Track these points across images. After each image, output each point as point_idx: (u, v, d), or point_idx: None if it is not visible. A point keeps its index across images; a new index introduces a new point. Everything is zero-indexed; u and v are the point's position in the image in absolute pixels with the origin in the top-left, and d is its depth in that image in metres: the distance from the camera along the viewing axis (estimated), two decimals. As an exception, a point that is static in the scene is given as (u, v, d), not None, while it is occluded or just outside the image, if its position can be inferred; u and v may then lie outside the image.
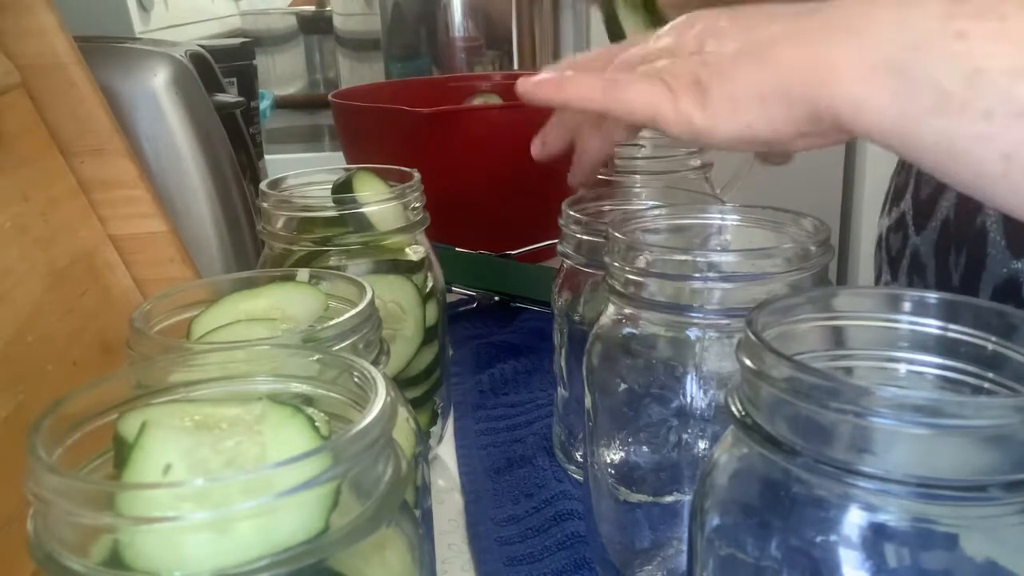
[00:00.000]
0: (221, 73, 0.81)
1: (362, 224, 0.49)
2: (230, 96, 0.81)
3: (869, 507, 0.23)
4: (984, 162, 0.31)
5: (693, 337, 0.36)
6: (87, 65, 0.54)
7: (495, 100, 1.02)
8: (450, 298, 0.76)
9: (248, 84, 0.97)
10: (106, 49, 0.67)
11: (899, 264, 0.61)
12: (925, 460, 0.22)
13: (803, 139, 0.38)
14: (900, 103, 0.32)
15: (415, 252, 0.52)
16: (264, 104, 1.29)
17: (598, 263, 0.41)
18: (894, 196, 0.64)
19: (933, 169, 0.33)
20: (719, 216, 0.40)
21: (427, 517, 0.36)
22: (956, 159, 0.32)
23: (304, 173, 0.54)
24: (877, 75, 0.33)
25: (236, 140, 0.77)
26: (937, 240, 0.56)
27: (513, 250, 0.86)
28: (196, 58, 0.74)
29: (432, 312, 0.52)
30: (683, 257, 0.36)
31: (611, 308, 0.39)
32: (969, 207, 0.53)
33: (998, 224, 0.51)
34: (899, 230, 0.61)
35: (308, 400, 0.27)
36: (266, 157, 1.01)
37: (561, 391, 0.54)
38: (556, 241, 0.50)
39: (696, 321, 0.35)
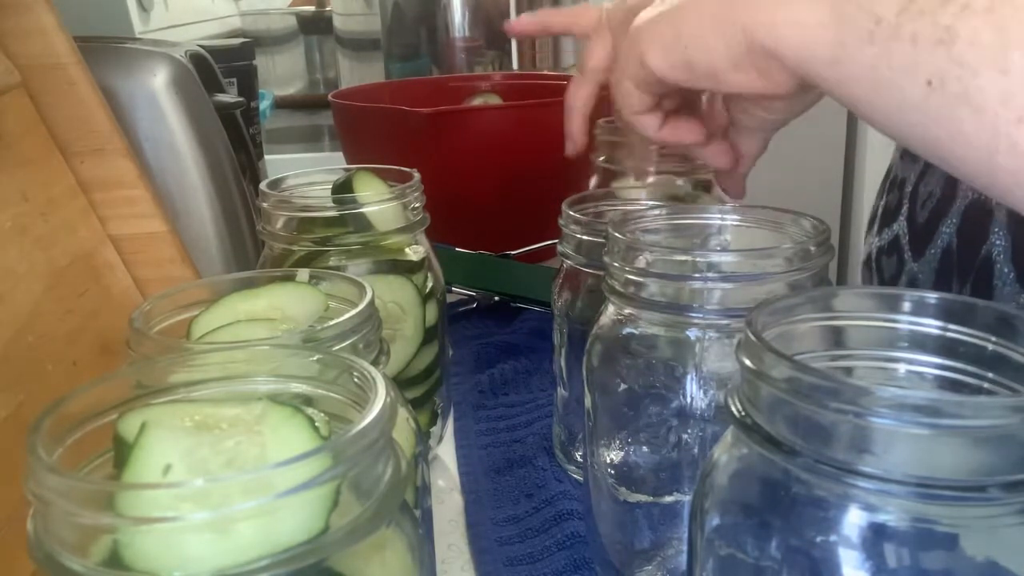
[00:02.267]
0: (221, 73, 0.81)
1: (362, 224, 0.49)
2: (230, 96, 0.81)
3: (869, 507, 0.23)
4: (906, 89, 0.31)
5: (693, 337, 0.36)
6: (87, 65, 0.54)
7: (495, 100, 1.02)
8: (450, 298, 0.76)
9: (248, 84, 0.97)
10: (106, 49, 0.67)
11: None
12: (925, 460, 0.22)
13: (738, 73, 0.39)
14: (837, 28, 0.33)
15: (415, 252, 0.52)
16: (264, 104, 1.29)
17: (598, 263, 0.41)
18: (884, 216, 0.62)
19: (858, 102, 0.34)
20: (719, 216, 0.40)
21: (427, 517, 0.36)
22: (881, 88, 0.32)
23: (304, 173, 0.54)
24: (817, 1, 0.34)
25: (236, 140, 0.77)
26: (938, 268, 0.54)
27: (513, 250, 0.86)
28: (196, 58, 0.74)
29: (432, 312, 0.52)
30: (683, 257, 0.36)
31: (611, 308, 0.39)
32: (974, 235, 0.51)
33: (1006, 254, 0.48)
34: (892, 253, 0.59)
35: (308, 400, 0.27)
36: (266, 157, 1.01)
37: (561, 391, 0.54)
38: (556, 241, 0.50)
39: (696, 321, 0.35)
